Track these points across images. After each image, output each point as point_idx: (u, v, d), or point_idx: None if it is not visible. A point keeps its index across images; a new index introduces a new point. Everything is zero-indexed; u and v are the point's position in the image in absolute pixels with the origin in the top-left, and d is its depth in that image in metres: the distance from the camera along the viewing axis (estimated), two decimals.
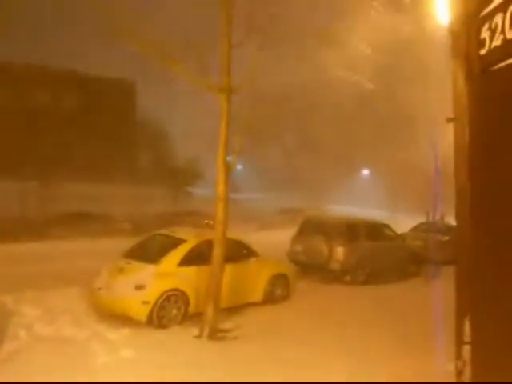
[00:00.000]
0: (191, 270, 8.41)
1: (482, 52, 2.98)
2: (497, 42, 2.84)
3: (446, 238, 14.62)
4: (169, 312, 7.99)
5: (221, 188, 7.82)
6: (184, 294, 8.16)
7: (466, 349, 2.88)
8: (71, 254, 15.43)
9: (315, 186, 41.34)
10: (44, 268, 12.46)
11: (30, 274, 11.47)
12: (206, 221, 24.73)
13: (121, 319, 7.75)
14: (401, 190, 34.49)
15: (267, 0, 8.08)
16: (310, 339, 7.49)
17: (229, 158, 8.09)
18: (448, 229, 15.40)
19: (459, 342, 2.98)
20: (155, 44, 7.72)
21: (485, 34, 2.96)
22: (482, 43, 2.99)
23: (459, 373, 3.07)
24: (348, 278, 12.14)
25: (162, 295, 7.92)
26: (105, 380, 5.67)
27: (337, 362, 6.48)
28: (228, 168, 7.91)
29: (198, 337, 7.45)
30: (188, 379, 5.77)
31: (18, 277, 10.78)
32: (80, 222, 24.24)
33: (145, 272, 8.14)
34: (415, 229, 17.91)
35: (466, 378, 2.99)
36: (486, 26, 2.97)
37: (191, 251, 8.68)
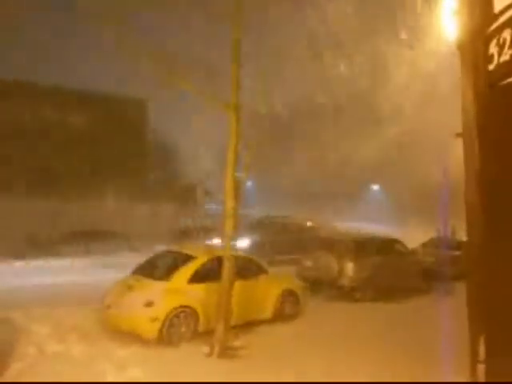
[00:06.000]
0: (201, 287, 8.38)
1: (491, 67, 2.99)
2: (505, 57, 2.85)
3: (457, 253, 14.46)
4: (178, 329, 7.94)
5: (229, 205, 7.82)
6: (194, 311, 8.12)
7: (481, 368, 2.83)
8: (81, 271, 15.47)
9: (325, 201, 41.20)
10: (54, 285, 12.48)
11: (40, 290, 11.50)
12: (216, 237, 24.67)
13: (130, 337, 7.72)
14: (411, 205, 34.29)
15: (275, 18, 8.16)
16: (319, 358, 7.38)
17: (239, 175, 8.10)
18: (459, 244, 15.25)
19: (473, 361, 2.93)
20: (165, 61, 7.81)
21: (493, 49, 2.97)
22: (490, 58, 2.99)
23: None
24: (358, 294, 12.00)
25: (171, 312, 7.88)
26: None
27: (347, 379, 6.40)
28: (237, 185, 7.92)
29: (209, 355, 7.38)
30: None
31: (27, 293, 10.82)
32: (91, 239, 24.34)
33: (154, 289, 8.12)
34: (426, 244, 17.74)
35: None
36: (494, 41, 2.97)
37: (201, 268, 8.66)
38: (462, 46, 3.39)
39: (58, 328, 8.11)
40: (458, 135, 3.42)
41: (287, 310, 9.79)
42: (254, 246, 16.74)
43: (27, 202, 27.09)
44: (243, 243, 15.71)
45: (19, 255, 20.21)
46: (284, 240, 18.37)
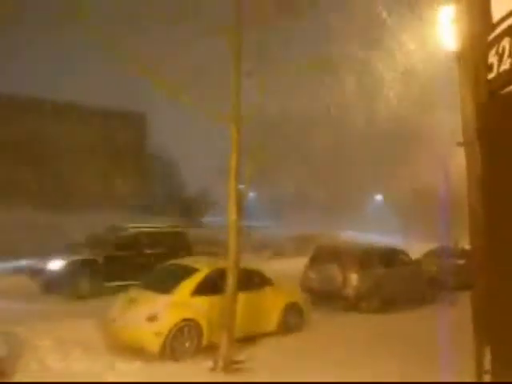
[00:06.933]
0: (204, 300, 8.33)
1: (490, 76, 2.99)
2: (505, 65, 2.85)
3: (461, 262, 14.40)
4: (182, 343, 7.87)
5: (232, 217, 7.81)
6: (197, 324, 8.06)
7: (486, 378, 2.80)
8: None
9: (328, 212, 41.15)
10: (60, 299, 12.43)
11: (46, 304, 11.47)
12: (218, 250, 24.62)
13: (134, 351, 7.67)
14: (414, 214, 34.21)
15: (276, 29, 8.20)
16: (325, 371, 7.32)
17: (241, 187, 8.10)
18: (462, 252, 15.18)
19: (479, 372, 2.90)
20: (164, 74, 7.83)
21: (492, 58, 2.98)
22: (489, 67, 3.00)
23: None
24: (363, 305, 11.93)
25: (174, 326, 7.82)
26: None
27: None
28: (240, 197, 7.91)
29: (213, 369, 7.31)
30: None
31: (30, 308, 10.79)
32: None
33: (157, 302, 8.08)
34: (430, 254, 17.65)
35: None
36: (494, 50, 2.98)
37: (204, 280, 8.61)
38: (461, 55, 3.40)
39: (60, 342, 8.05)
40: (459, 144, 3.42)
41: (291, 322, 9.71)
42: (71, 269, 12.68)
43: (23, 213, 27.05)
44: (54, 265, 12.78)
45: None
46: (125, 258, 13.62)
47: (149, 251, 14.28)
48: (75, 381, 6.60)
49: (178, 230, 17.24)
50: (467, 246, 9.81)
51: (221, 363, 7.32)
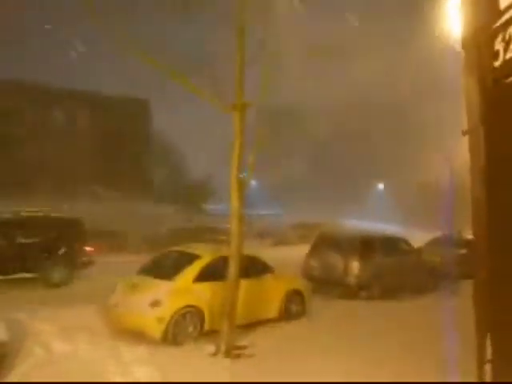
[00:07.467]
0: (206, 287, 8.37)
1: (496, 64, 2.96)
2: (511, 53, 2.82)
3: (463, 251, 14.41)
4: (184, 329, 7.94)
5: (235, 204, 7.81)
6: (199, 310, 8.11)
7: (488, 368, 2.81)
8: (86, 271, 15.45)
9: (330, 200, 41.18)
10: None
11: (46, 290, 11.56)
12: (220, 237, 24.72)
13: (137, 336, 7.73)
14: (416, 203, 34.22)
15: (280, 17, 8.14)
16: (325, 357, 7.37)
17: (243, 174, 8.09)
18: (465, 242, 15.19)
19: (480, 361, 2.91)
20: (168, 62, 7.81)
21: (498, 45, 2.94)
22: (495, 55, 2.97)
23: None
24: (364, 293, 11.99)
25: (177, 312, 7.88)
26: None
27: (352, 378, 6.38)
28: (242, 184, 7.91)
29: (214, 354, 7.38)
30: None
31: (35, 293, 10.87)
32: (94, 238, 24.30)
33: (160, 288, 8.12)
34: (432, 243, 17.67)
35: None
36: (500, 37, 2.95)
37: (206, 267, 8.65)
38: (466, 43, 3.36)
39: (64, 327, 8.13)
40: (464, 132, 3.40)
41: (293, 309, 9.77)
42: None
43: (26, 200, 27.14)
44: None
45: None
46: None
47: (23, 241, 12.41)
48: (78, 366, 6.66)
49: (68, 217, 15.02)
50: (470, 236, 9.81)
51: (222, 348, 7.39)
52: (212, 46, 8.34)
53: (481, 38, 3.17)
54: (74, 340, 7.60)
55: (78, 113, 37.65)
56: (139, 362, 6.90)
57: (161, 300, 7.86)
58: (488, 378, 2.77)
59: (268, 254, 12.41)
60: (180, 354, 7.38)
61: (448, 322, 8.31)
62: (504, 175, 2.96)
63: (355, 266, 11.98)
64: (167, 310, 7.83)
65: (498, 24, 3.01)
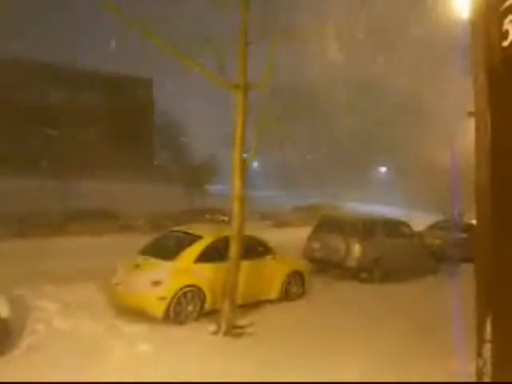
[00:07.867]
0: (208, 267, 8.42)
1: (505, 43, 2.91)
2: None
3: (465, 235, 14.44)
4: (185, 308, 8.01)
5: (237, 185, 7.79)
6: (200, 290, 8.17)
7: (488, 347, 2.82)
8: (89, 250, 15.59)
9: (332, 183, 41.12)
10: (63, 263, 12.60)
11: (49, 268, 11.62)
12: (222, 218, 24.80)
13: (138, 314, 7.80)
14: (418, 187, 34.12)
15: None
16: (324, 337, 7.43)
17: (245, 156, 8.05)
18: (466, 226, 15.21)
19: (480, 341, 2.92)
20: (171, 40, 7.71)
21: (507, 25, 2.89)
22: (504, 35, 2.91)
23: (480, 372, 3.00)
24: (365, 275, 12.04)
25: (178, 291, 7.93)
26: (120, 376, 5.70)
27: (352, 360, 6.44)
28: (244, 165, 7.88)
29: (215, 333, 7.45)
30: (204, 374, 5.79)
31: (37, 271, 10.94)
32: (98, 218, 24.47)
33: (161, 268, 8.17)
34: (433, 226, 17.70)
35: (487, 377, 2.92)
36: (509, 17, 2.89)
37: (208, 248, 8.68)
38: (474, 22, 3.30)
39: (66, 305, 8.20)
40: (470, 114, 3.35)
41: (293, 290, 9.83)
42: None
43: (33, 180, 27.20)
44: None
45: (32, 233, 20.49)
46: None
47: None
48: (79, 343, 6.73)
49: None
50: (473, 220, 9.82)
51: (223, 327, 7.46)
52: (216, 22, 8.21)
53: (490, 17, 3.10)
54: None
55: (78, 92, 37.44)
56: (140, 338, 6.97)
57: (162, 280, 7.91)
58: (488, 357, 2.77)
59: (269, 235, 12.44)
60: (181, 333, 7.46)
61: (448, 303, 8.37)
62: (510, 158, 2.92)
63: (356, 248, 12.01)
64: (169, 289, 7.88)
65: (507, 3, 2.95)
